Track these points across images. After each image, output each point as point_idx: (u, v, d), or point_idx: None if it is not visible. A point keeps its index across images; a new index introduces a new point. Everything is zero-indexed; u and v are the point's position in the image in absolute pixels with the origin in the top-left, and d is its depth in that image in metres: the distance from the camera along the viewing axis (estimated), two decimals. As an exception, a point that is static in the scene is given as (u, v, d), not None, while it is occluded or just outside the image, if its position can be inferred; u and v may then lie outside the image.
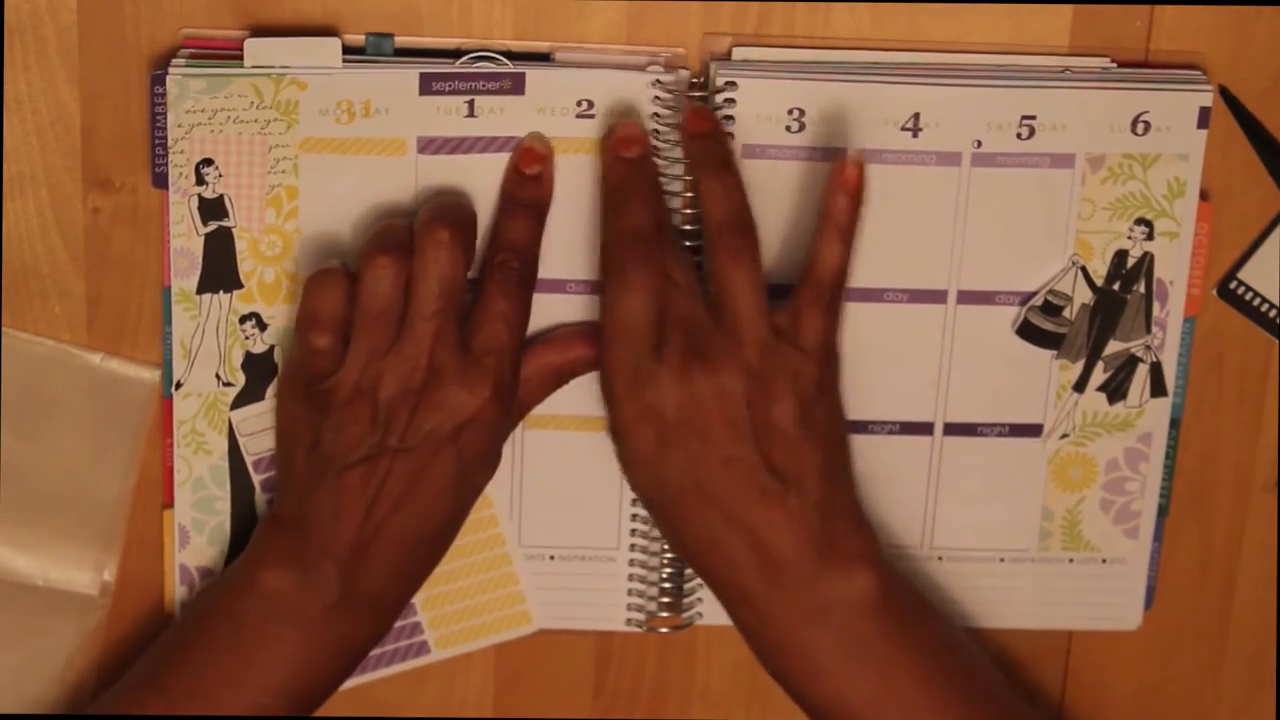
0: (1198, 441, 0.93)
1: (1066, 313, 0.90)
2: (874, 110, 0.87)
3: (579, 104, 0.86)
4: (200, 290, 0.87)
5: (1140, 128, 0.88)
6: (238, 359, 0.88)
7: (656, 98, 0.86)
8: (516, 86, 0.86)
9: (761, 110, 0.87)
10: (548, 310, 0.88)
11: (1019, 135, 0.88)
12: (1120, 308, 0.90)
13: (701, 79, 0.87)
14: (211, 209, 0.86)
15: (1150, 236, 0.89)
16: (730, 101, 0.86)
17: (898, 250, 0.89)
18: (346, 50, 0.86)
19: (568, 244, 0.88)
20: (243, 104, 0.85)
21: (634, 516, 0.91)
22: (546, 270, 0.88)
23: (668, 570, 0.92)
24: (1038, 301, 0.89)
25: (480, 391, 0.84)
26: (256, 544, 0.86)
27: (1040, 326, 0.90)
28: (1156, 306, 0.90)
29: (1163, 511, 0.93)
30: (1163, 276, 0.90)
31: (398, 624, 0.89)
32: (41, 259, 0.88)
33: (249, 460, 0.89)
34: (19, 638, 0.91)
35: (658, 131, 0.86)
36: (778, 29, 0.87)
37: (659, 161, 0.87)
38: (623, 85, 0.86)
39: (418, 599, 0.90)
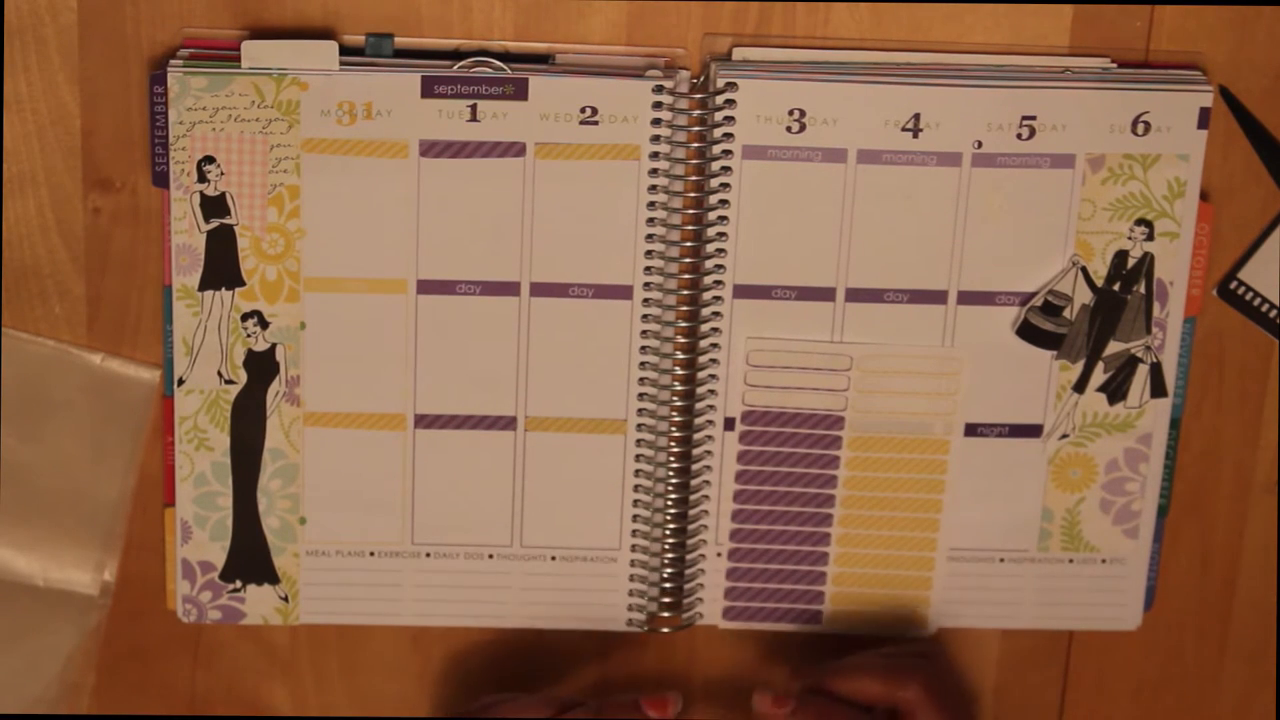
0: (1198, 441, 0.93)
1: (1066, 313, 0.90)
2: (874, 110, 0.87)
3: (582, 110, 0.86)
4: (202, 287, 0.87)
5: (1140, 128, 0.88)
6: (239, 357, 0.88)
7: (658, 104, 0.86)
8: (519, 91, 0.86)
9: (761, 111, 0.87)
10: (550, 313, 0.88)
11: (1019, 135, 0.88)
12: (1120, 308, 0.90)
13: (702, 80, 0.87)
14: (213, 206, 0.86)
15: (1150, 237, 0.89)
16: (730, 102, 0.86)
17: (898, 250, 0.89)
18: (346, 50, 0.86)
19: (570, 250, 0.88)
20: (244, 103, 0.85)
21: (635, 517, 0.91)
22: (549, 274, 0.88)
23: (669, 570, 0.92)
24: (1038, 302, 0.89)
25: None
26: None
27: (1040, 327, 0.90)
28: (1156, 307, 0.90)
29: (1163, 511, 0.93)
30: (1163, 277, 0.90)
31: None
32: (41, 259, 0.88)
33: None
34: (19, 638, 0.91)
35: (659, 138, 0.87)
36: (778, 29, 0.87)
37: (661, 164, 0.87)
38: (626, 92, 0.86)
39: None
